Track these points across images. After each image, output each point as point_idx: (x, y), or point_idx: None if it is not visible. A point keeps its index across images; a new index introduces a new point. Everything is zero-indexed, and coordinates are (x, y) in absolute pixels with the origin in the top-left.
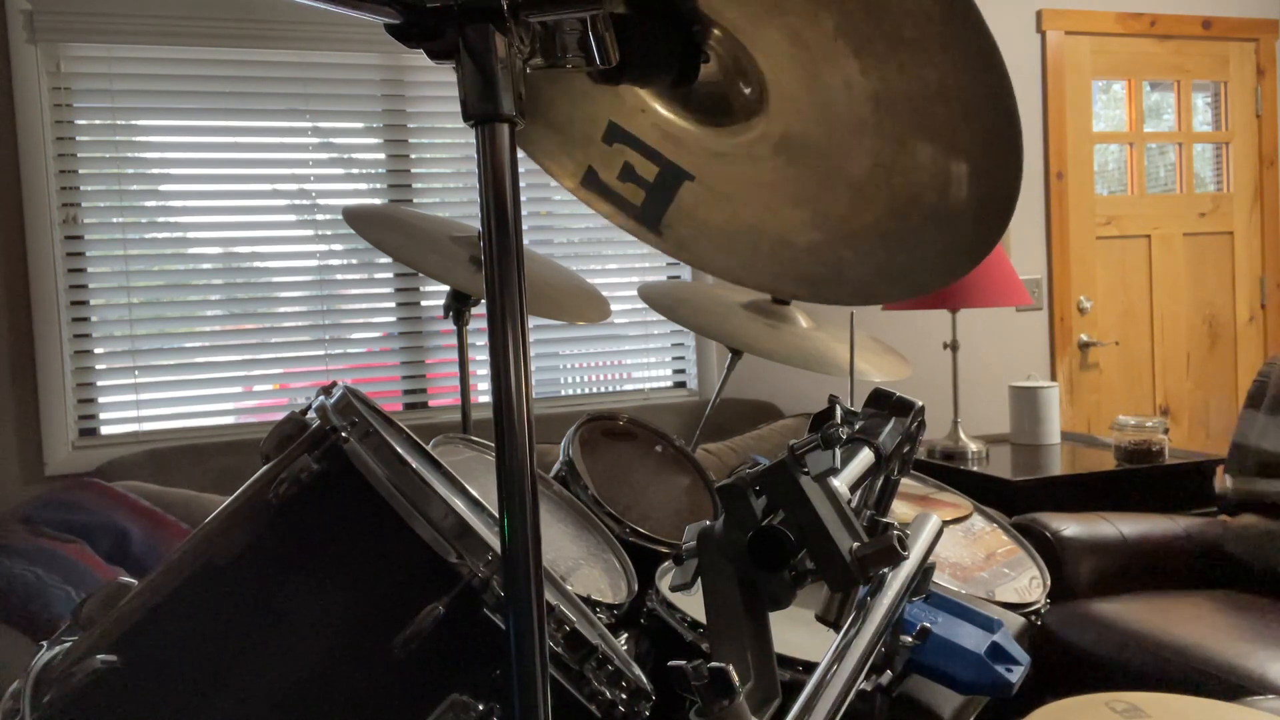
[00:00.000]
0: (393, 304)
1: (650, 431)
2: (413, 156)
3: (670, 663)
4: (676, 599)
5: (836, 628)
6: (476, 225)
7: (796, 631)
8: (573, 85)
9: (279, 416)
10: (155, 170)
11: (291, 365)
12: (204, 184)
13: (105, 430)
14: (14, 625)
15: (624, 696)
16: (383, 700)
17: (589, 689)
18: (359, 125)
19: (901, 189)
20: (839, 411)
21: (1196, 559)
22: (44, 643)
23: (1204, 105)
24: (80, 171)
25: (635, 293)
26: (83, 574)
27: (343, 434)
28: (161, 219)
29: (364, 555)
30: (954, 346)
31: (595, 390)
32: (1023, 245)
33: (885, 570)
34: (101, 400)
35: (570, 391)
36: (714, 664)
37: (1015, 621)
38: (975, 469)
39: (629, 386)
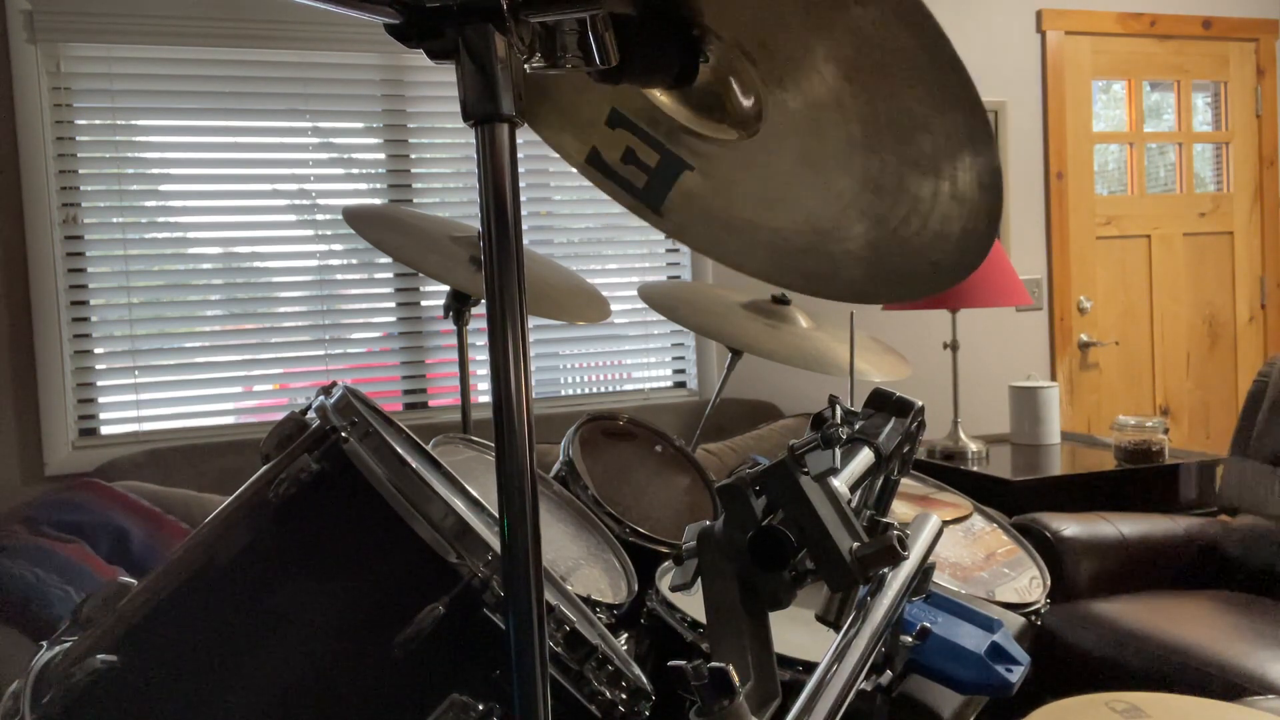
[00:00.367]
0: (393, 304)
1: (650, 431)
2: (413, 156)
3: (670, 663)
4: (676, 599)
5: (836, 628)
6: (476, 225)
7: (796, 631)
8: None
9: (279, 416)
10: (155, 170)
11: (291, 365)
12: (204, 184)
13: (105, 430)
14: (14, 625)
15: (624, 696)
16: (383, 700)
17: (589, 689)
18: (359, 125)
19: (890, 206)
20: (839, 411)
21: (1196, 559)
22: (44, 643)
23: (1204, 105)
24: (80, 171)
25: (635, 293)
26: (83, 574)
27: (343, 434)
28: (161, 219)
29: (364, 555)
30: (954, 346)
31: (595, 390)
32: (1023, 245)
33: (885, 570)
34: (101, 400)
35: (570, 391)
36: (714, 664)
37: (1015, 621)
38: (975, 469)
39: (629, 386)
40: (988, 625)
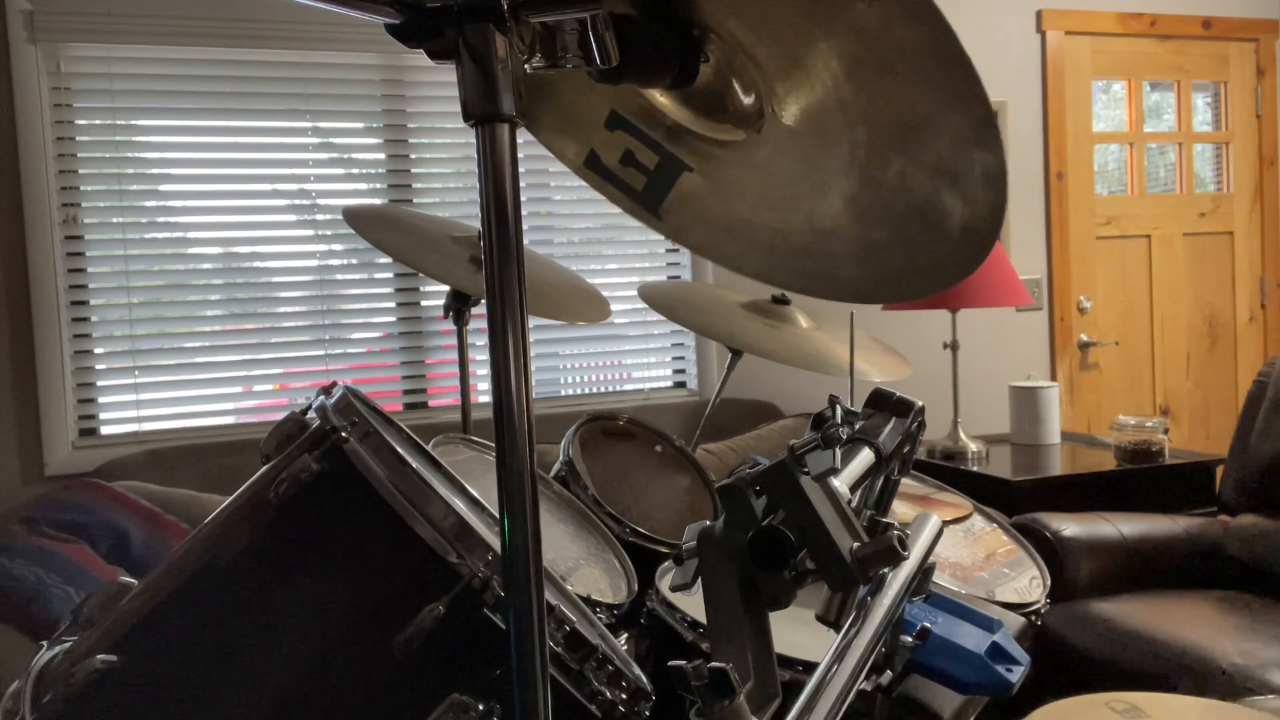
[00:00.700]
0: (393, 304)
1: (650, 431)
2: (413, 156)
3: (670, 663)
4: (676, 599)
5: (836, 628)
6: (476, 225)
7: (796, 631)
8: (575, 72)
9: (279, 416)
10: (155, 170)
11: (291, 365)
12: (204, 184)
13: (105, 430)
14: (14, 625)
15: (624, 696)
16: (383, 700)
17: (589, 689)
18: (359, 125)
19: (892, 204)
20: (839, 411)
21: (1196, 559)
22: (44, 643)
23: (1204, 105)
24: (80, 171)
25: (635, 293)
26: (83, 574)
27: (343, 434)
28: (161, 219)
29: (364, 555)
30: (954, 346)
31: (595, 390)
32: (1023, 245)
33: (885, 570)
34: (101, 400)
35: (570, 391)
36: (714, 664)
37: (1015, 621)
38: (975, 469)
39: (629, 386)
40: (988, 625)
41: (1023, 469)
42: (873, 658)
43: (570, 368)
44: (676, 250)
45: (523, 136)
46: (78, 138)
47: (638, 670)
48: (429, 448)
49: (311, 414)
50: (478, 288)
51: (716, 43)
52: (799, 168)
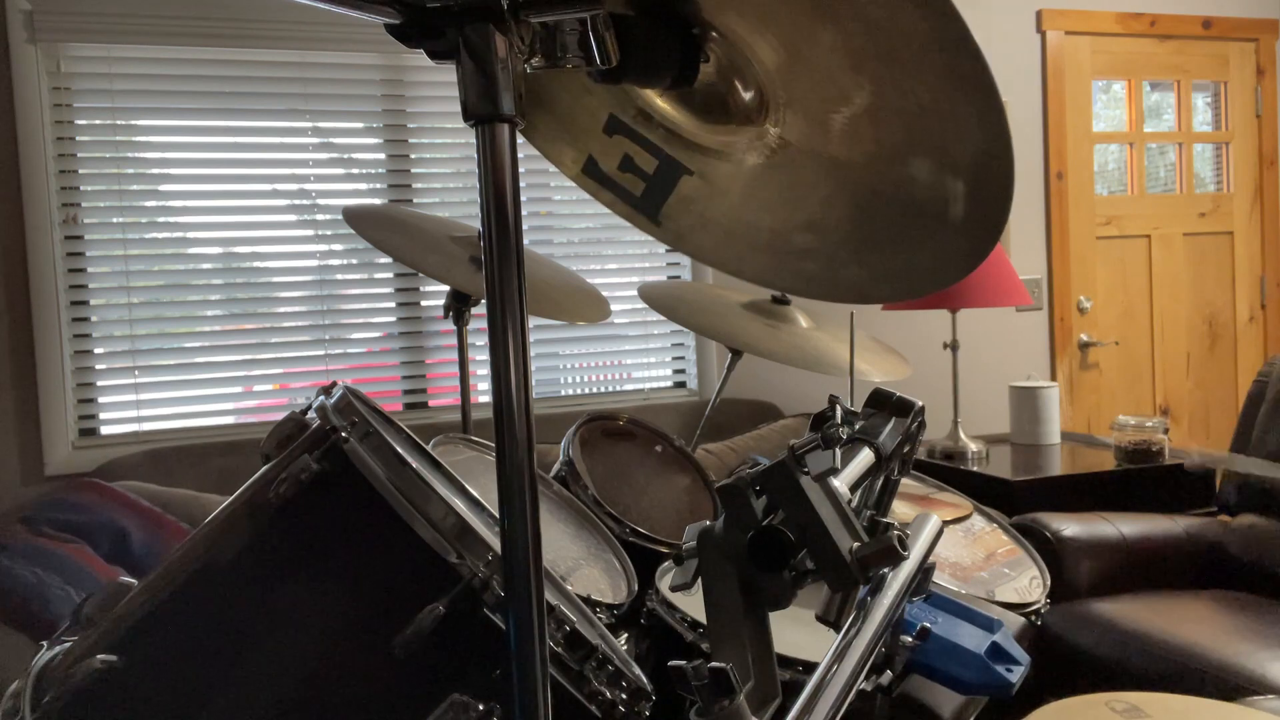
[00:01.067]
0: (393, 304)
1: (650, 431)
2: (413, 156)
3: (670, 663)
4: (676, 599)
5: (836, 628)
6: (476, 225)
7: (796, 631)
8: (574, 76)
9: (279, 416)
10: (155, 170)
11: (291, 365)
12: (204, 184)
13: (105, 430)
14: (14, 625)
15: (624, 696)
16: (383, 700)
17: (589, 689)
18: (359, 125)
19: (896, 199)
20: (839, 411)
21: (1196, 559)
22: (44, 643)
23: (1204, 105)
24: (80, 171)
25: (635, 293)
26: (83, 574)
27: (343, 434)
28: (161, 219)
29: (364, 555)
30: (954, 346)
31: (595, 390)
32: (1023, 245)
33: (885, 570)
34: (101, 400)
35: (570, 391)
36: (714, 664)
37: (1015, 621)
38: (975, 469)
39: (629, 386)
40: (988, 625)
41: (1023, 469)
42: (873, 658)
43: (570, 368)
44: (676, 251)
45: (521, 139)
46: (78, 138)
47: (638, 670)
48: (429, 448)
49: (311, 414)
50: (478, 288)
51: (717, 40)
52: (799, 166)
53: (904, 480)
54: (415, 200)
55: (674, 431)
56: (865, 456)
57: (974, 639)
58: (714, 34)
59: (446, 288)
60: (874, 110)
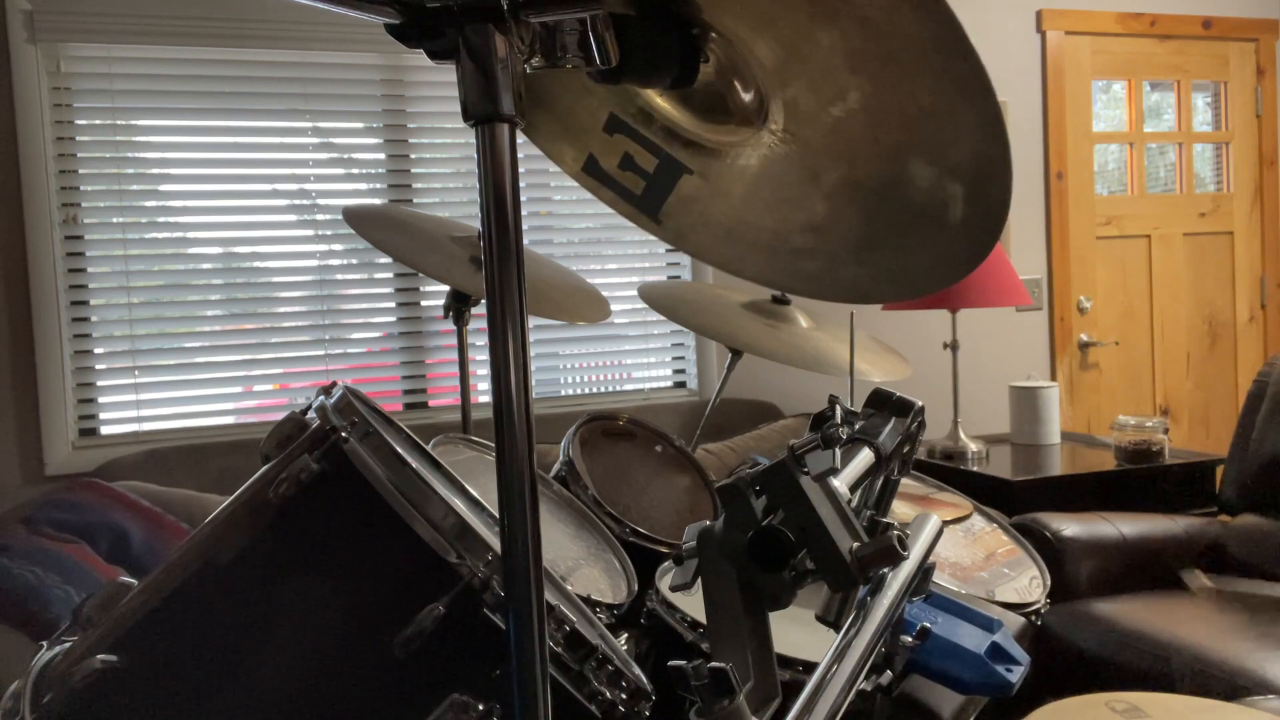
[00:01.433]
0: (393, 304)
1: (650, 431)
2: (413, 156)
3: (670, 663)
4: (676, 599)
5: (836, 628)
6: (476, 225)
7: (796, 631)
8: (574, 76)
9: (279, 416)
10: (155, 170)
11: (291, 365)
12: (204, 184)
13: (105, 430)
14: (14, 625)
15: (624, 696)
16: (383, 700)
17: (589, 689)
18: (359, 125)
19: (895, 200)
20: (839, 411)
21: (1196, 559)
22: (44, 643)
23: (1204, 105)
24: (80, 171)
25: (635, 293)
26: (83, 574)
27: (343, 434)
28: (161, 219)
29: (364, 555)
30: (954, 346)
31: (595, 390)
32: (1023, 245)
33: (885, 570)
34: (101, 400)
35: (570, 391)
36: (714, 664)
37: (1015, 621)
38: (975, 469)
39: (629, 386)
40: (988, 625)
41: (1023, 469)
42: (873, 658)
43: (570, 368)
44: (676, 250)
45: (521, 138)
46: (78, 138)
47: (638, 670)
48: (429, 448)
49: (311, 414)
50: (478, 288)
51: (717, 41)
52: (799, 166)
53: (904, 480)
54: (415, 200)
55: (674, 431)
56: (865, 456)
57: (974, 639)
58: (714, 34)
59: (446, 288)
60: (873, 111)
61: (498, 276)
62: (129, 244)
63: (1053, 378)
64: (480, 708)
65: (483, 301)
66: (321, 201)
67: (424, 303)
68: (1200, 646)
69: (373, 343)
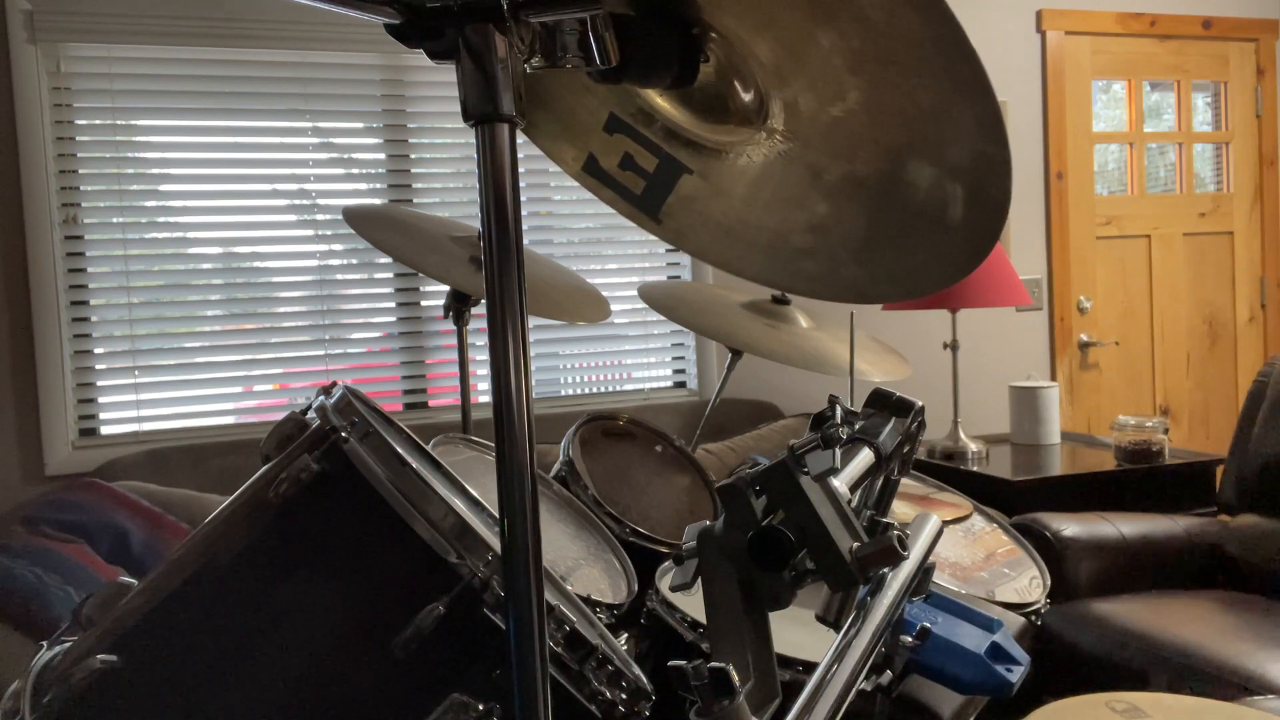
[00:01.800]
0: (393, 304)
1: (650, 431)
2: (413, 156)
3: (670, 663)
4: (676, 599)
5: (836, 628)
6: (476, 225)
7: (796, 631)
8: (574, 75)
9: (279, 416)
10: (155, 170)
11: (291, 365)
12: (204, 184)
13: (105, 430)
14: (14, 625)
15: (624, 696)
16: (383, 700)
17: (589, 689)
18: (359, 125)
19: (895, 200)
20: (839, 411)
21: (1196, 559)
22: (44, 643)
23: (1204, 105)
24: (80, 171)
25: (635, 293)
26: (83, 574)
27: (343, 434)
28: (161, 219)
29: (364, 555)
30: (954, 346)
31: (595, 390)
32: (1023, 245)
33: (885, 570)
34: (101, 400)
35: (570, 391)
36: (714, 664)
37: (1015, 621)
38: (975, 469)
39: (629, 386)
40: (988, 625)
41: (1023, 469)
42: (873, 658)
43: (570, 368)
44: (676, 250)
45: (521, 137)
46: (78, 138)
47: (638, 670)
48: (429, 448)
49: (311, 414)
50: (478, 288)
51: (716, 41)
52: (799, 166)
53: (904, 480)
54: (415, 200)
55: (674, 431)
56: (865, 456)
57: (974, 639)
58: (714, 34)
59: (446, 288)
60: (873, 111)
61: (498, 276)
62: (129, 244)
63: (1053, 378)
64: (480, 708)
65: (483, 301)
66: (321, 201)
67: (424, 303)
68: (1200, 646)
69: (373, 343)
